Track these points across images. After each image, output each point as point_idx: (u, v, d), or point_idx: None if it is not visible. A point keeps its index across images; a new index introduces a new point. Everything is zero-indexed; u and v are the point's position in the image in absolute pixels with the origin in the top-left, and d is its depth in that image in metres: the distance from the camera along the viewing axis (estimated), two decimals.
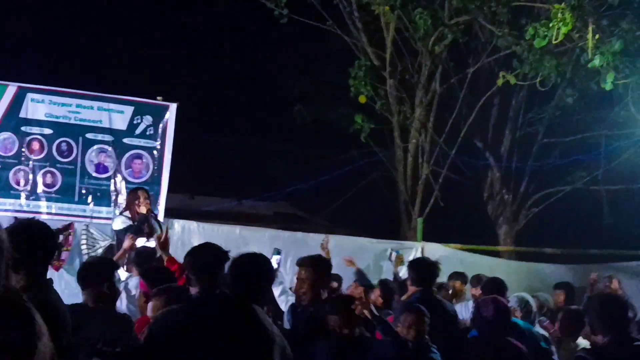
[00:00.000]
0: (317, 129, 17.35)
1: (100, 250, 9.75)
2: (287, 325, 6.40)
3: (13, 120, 9.66)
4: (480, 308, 5.96)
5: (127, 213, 9.21)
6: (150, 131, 10.29)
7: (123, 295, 6.82)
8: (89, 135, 10.00)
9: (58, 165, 9.84)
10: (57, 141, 9.84)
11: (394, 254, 10.69)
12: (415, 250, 11.79)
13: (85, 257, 9.52)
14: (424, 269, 7.14)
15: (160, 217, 10.21)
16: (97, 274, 5.48)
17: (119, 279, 6.39)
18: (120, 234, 9.07)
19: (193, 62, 19.75)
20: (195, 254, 5.41)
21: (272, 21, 14.51)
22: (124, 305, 6.96)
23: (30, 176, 9.71)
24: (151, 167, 10.28)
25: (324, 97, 17.45)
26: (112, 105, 10.14)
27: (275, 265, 8.39)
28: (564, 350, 7.28)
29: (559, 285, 9.79)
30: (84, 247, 9.63)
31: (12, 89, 9.69)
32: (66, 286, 9.54)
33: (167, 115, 10.38)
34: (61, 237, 9.62)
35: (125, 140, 10.18)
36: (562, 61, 13.06)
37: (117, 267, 6.18)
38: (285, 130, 18.63)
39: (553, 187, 16.57)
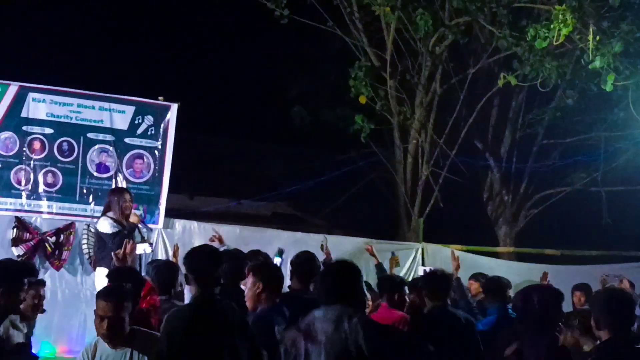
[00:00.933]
0: (316, 129, 17.35)
1: None
2: None
3: (14, 120, 9.66)
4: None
5: (111, 214, 8.89)
6: (152, 131, 10.29)
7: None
8: (90, 135, 10.00)
9: (59, 164, 9.84)
10: (59, 141, 9.84)
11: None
12: (415, 250, 11.81)
13: (86, 257, 9.55)
14: (438, 282, 6.91)
15: (161, 217, 10.24)
16: None
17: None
18: (106, 237, 8.84)
19: (192, 62, 19.76)
20: (193, 256, 5.46)
21: (273, 22, 14.49)
22: None
23: (32, 176, 9.70)
24: (152, 167, 10.28)
25: (323, 97, 17.43)
26: (113, 105, 10.14)
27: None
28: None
29: (579, 286, 9.68)
30: (84, 246, 9.61)
31: (13, 88, 9.70)
32: (66, 285, 9.60)
33: (168, 116, 10.39)
34: (62, 237, 9.65)
35: (127, 140, 10.18)
36: (563, 62, 13.10)
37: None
38: (284, 131, 18.63)
39: (553, 188, 16.61)
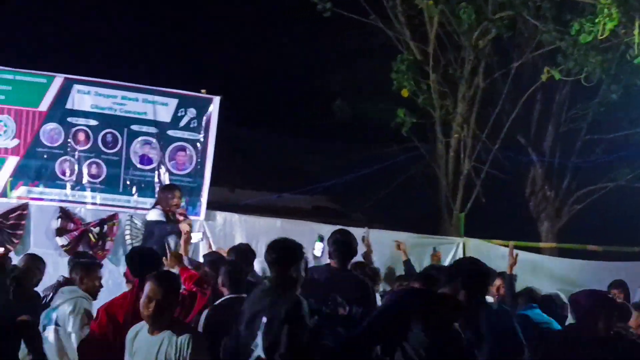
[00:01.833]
0: (357, 123, 17.33)
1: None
2: None
3: (59, 111, 9.79)
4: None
5: (159, 207, 9.25)
6: (194, 124, 10.37)
7: None
8: (134, 127, 10.11)
9: (103, 156, 9.96)
10: (103, 132, 9.96)
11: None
12: (456, 245, 11.75)
13: (129, 247, 9.65)
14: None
15: (203, 209, 10.32)
16: None
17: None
18: (151, 225, 9.11)
19: (235, 55, 19.80)
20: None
21: (315, 15, 14.48)
22: None
23: (76, 167, 9.83)
24: (195, 159, 10.36)
25: (364, 91, 17.41)
26: (156, 98, 10.24)
27: (318, 253, 8.47)
28: None
29: (616, 284, 9.54)
30: (127, 237, 9.74)
31: (58, 80, 9.82)
32: (110, 275, 9.69)
33: (210, 108, 10.46)
34: (106, 227, 9.77)
35: (170, 132, 10.28)
36: (607, 57, 12.91)
37: None
38: (325, 125, 18.62)
39: (596, 184, 16.40)
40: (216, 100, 10.49)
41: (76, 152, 9.84)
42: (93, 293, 7.05)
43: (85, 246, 9.60)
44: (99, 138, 9.93)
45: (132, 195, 10.07)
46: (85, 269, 7.16)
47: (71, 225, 9.60)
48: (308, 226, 11.17)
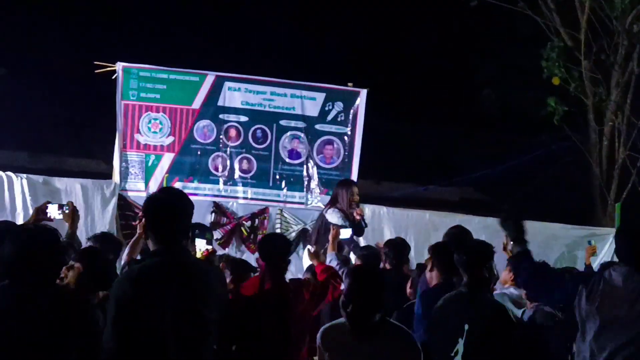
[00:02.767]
0: (505, 113, 17.02)
1: (293, 234, 10.02)
2: None
3: (212, 109, 10.04)
4: None
5: (339, 205, 9.00)
6: (341, 117, 10.42)
7: None
8: (283, 122, 10.26)
9: (253, 151, 10.16)
10: (253, 128, 10.16)
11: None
12: (611, 236, 11.34)
13: None
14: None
15: None
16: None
17: None
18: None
19: (380, 47, 19.81)
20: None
21: (462, 3, 14.29)
22: None
23: (228, 162, 10.07)
24: (342, 153, 10.42)
25: (513, 80, 17.07)
26: (304, 92, 10.34)
27: None
28: None
29: None
30: (278, 230, 9.91)
31: (210, 78, 10.08)
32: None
33: (357, 101, 10.48)
34: (257, 221, 9.98)
35: (317, 126, 10.37)
36: None
37: None
38: (472, 115, 18.38)
39: None
40: (363, 93, 10.50)
41: (228, 148, 10.08)
42: None
43: (238, 240, 9.84)
44: (249, 134, 10.14)
45: (282, 189, 10.23)
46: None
47: (224, 220, 9.87)
48: (457, 218, 11.05)
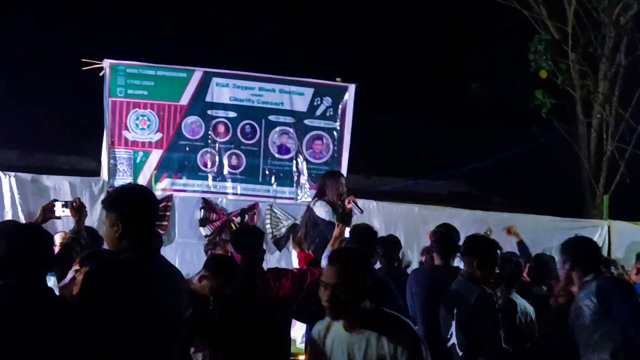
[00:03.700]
0: (494, 106, 17.04)
1: (283, 230, 10.01)
2: None
3: (200, 104, 10.00)
4: None
5: (327, 198, 8.53)
6: (330, 112, 10.41)
7: None
8: (271, 118, 10.23)
9: (242, 147, 10.12)
10: (242, 124, 10.12)
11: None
12: (600, 228, 11.39)
13: (269, 236, 9.82)
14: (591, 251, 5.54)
15: None
16: None
17: None
18: (321, 223, 8.72)
19: (369, 42, 19.81)
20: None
21: None
22: None
23: (217, 158, 10.03)
24: (331, 147, 10.40)
25: (501, 73, 17.09)
26: (292, 88, 10.31)
27: None
28: None
29: None
30: (268, 226, 9.91)
31: (198, 74, 10.04)
32: None
33: (346, 96, 10.46)
34: (247, 217, 9.97)
35: (306, 121, 10.34)
36: None
37: None
38: (461, 109, 18.39)
39: None
40: (352, 88, 10.49)
41: (217, 144, 10.05)
42: None
43: (228, 236, 9.81)
44: (238, 129, 10.10)
45: (272, 184, 10.21)
46: None
47: (214, 216, 9.85)
48: (446, 212, 11.08)
